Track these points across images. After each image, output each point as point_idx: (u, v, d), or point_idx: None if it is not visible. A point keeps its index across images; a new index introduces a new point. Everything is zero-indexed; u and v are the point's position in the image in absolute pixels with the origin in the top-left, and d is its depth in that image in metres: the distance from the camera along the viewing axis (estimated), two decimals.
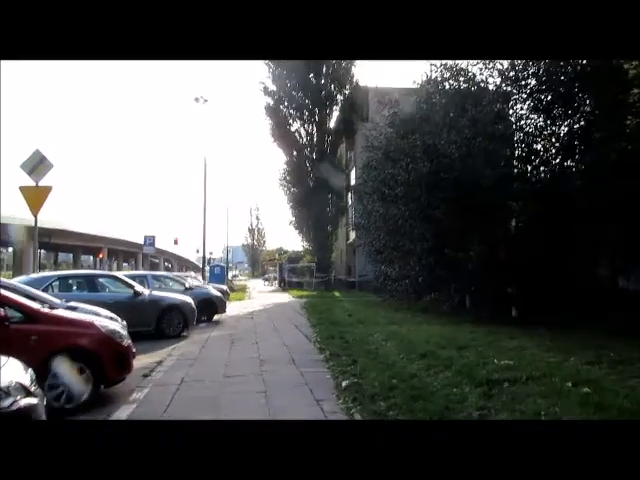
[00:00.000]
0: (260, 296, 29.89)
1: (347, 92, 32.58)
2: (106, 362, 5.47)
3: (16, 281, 9.67)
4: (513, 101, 13.54)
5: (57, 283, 10.42)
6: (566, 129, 13.10)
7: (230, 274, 64.10)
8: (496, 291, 13.69)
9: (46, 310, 5.69)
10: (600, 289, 12.39)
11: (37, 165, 10.49)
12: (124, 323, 7.84)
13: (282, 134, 33.30)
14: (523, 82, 12.83)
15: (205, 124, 41.39)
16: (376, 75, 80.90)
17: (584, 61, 11.82)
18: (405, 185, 13.13)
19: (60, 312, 6.01)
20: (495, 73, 13.59)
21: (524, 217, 13.57)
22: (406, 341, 8.77)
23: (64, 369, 5.33)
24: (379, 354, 7.83)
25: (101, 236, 59.23)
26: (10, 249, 52.20)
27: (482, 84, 13.64)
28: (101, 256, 60.87)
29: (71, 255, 68.73)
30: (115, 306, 9.85)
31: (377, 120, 17.95)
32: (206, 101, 29.81)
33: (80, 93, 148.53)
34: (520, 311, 13.26)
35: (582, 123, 12.74)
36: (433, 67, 13.83)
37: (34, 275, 10.74)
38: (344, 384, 6.19)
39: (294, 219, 36.33)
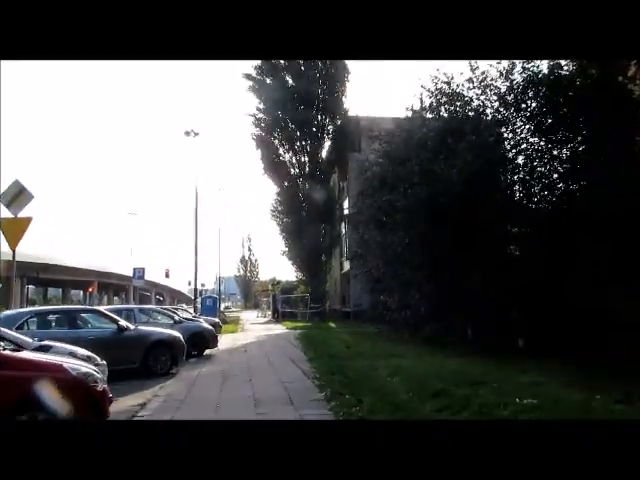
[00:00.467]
0: (253, 328, 29.00)
1: (338, 122, 32.54)
2: (76, 410, 4.77)
3: None
4: (512, 124, 13.28)
5: (34, 320, 9.68)
6: (568, 152, 12.80)
7: (223, 306, 63.02)
8: (499, 318, 13.16)
9: (7, 353, 5.01)
10: (601, 314, 11.88)
11: (16, 196, 9.97)
12: (104, 362, 7.17)
13: (273, 165, 33.17)
14: (523, 105, 12.56)
15: (196, 156, 41.15)
16: (366, 103, 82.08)
17: (587, 80, 11.58)
18: (404, 212, 12.63)
19: (24, 354, 5.32)
20: (493, 97, 13.37)
21: (527, 242, 13.13)
22: (414, 377, 8.08)
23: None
24: (386, 392, 7.13)
25: (91, 270, 58.42)
26: None
27: (480, 108, 13.39)
28: (91, 290, 59.80)
29: (60, 290, 67.60)
30: (97, 343, 9.19)
31: (370, 149, 17.63)
32: (197, 134, 29.78)
33: (69, 121, 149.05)
34: (526, 340, 12.69)
35: (584, 146, 12.46)
36: (428, 93, 13.60)
37: (7, 312, 10.02)
38: None
39: (287, 249, 35.90)
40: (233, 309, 78.71)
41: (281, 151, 33.07)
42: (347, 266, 33.73)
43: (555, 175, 13.11)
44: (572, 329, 11.51)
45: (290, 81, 31.97)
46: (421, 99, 13.70)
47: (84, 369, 5.19)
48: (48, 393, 4.66)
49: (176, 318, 13.94)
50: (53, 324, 10.03)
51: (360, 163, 16.96)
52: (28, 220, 10.09)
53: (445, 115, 13.30)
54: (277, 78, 31.86)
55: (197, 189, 31.12)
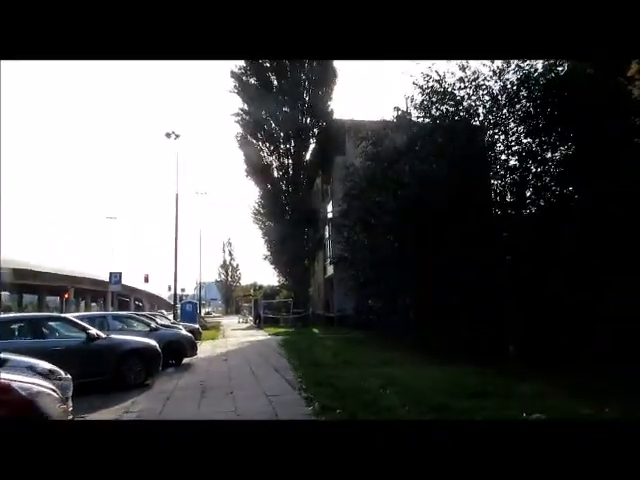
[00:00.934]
0: (235, 334, 28.18)
1: (323, 124, 32.03)
2: None
3: None
4: (504, 126, 12.88)
5: None
6: (562, 154, 12.43)
7: (203, 311, 61.88)
8: (492, 323, 12.74)
9: None
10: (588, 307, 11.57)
11: None
12: (68, 377, 6.44)
13: (256, 167, 32.51)
14: (517, 105, 12.13)
15: (177, 159, 40.03)
16: (351, 106, 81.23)
17: (584, 80, 11.21)
18: (393, 213, 12.10)
19: None
20: (485, 97, 12.97)
21: (520, 244, 12.72)
22: (408, 388, 7.51)
23: None
24: (381, 407, 6.52)
25: (67, 275, 56.95)
26: None
27: (471, 109, 12.97)
28: (67, 296, 58.25)
29: (36, 296, 65.77)
30: (65, 354, 8.51)
31: (356, 151, 17.12)
32: (178, 136, 29.08)
33: (45, 123, 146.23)
34: (516, 346, 12.29)
35: (579, 148, 12.08)
36: (419, 90, 13.13)
37: None
38: None
39: (269, 254, 35.24)
40: (214, 314, 77.54)
41: (265, 153, 32.44)
42: (331, 271, 33.22)
43: (548, 178, 12.75)
44: (560, 327, 11.22)
45: (275, 82, 31.38)
46: (412, 97, 13.19)
47: (36, 388, 4.49)
48: None
49: (152, 325, 13.16)
50: (16, 334, 9.20)
51: (346, 165, 16.37)
52: None
53: (436, 114, 12.81)
54: (262, 79, 31.28)
55: (177, 193, 30.29)
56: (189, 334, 14.68)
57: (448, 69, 13.05)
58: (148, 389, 9.37)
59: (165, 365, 11.84)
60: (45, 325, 9.47)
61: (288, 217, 32.13)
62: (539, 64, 11.99)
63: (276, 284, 46.43)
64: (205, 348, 18.10)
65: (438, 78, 12.88)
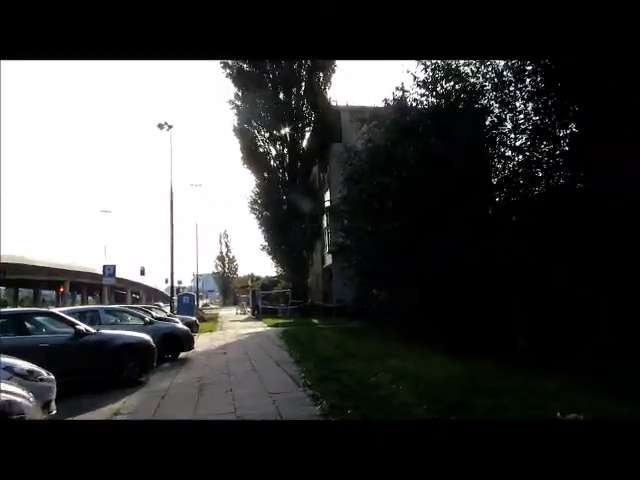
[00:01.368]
0: (233, 326, 27.65)
1: (319, 110, 31.30)
2: None
3: None
4: (511, 104, 12.26)
5: None
6: (571, 131, 11.82)
7: (201, 303, 61.41)
8: (499, 313, 12.24)
9: None
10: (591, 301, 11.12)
11: None
12: (51, 377, 5.87)
13: (252, 155, 31.87)
14: (528, 80, 11.47)
15: (171, 150, 39.22)
16: (349, 91, 79.63)
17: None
18: (397, 197, 11.50)
19: None
20: (491, 74, 12.34)
21: (530, 228, 12.17)
22: (422, 384, 6.94)
23: None
24: (395, 405, 5.96)
25: (63, 269, 56.37)
26: None
27: (477, 87, 12.34)
28: (62, 290, 57.70)
29: (32, 291, 65.26)
30: (51, 351, 7.96)
31: (357, 135, 16.49)
32: (171, 127, 28.53)
33: (37, 115, 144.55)
34: (527, 339, 11.79)
35: (590, 126, 11.45)
36: (422, 66, 12.48)
37: None
38: None
39: (267, 244, 34.65)
40: (212, 306, 77.15)
41: (261, 141, 31.76)
42: (329, 260, 32.71)
43: (558, 158, 12.16)
44: (563, 320, 10.94)
45: (270, 68, 30.58)
46: (414, 75, 12.53)
47: (4, 396, 3.90)
48: None
49: (147, 319, 12.56)
50: None
51: (346, 148, 15.70)
52: None
53: (441, 92, 12.18)
54: (256, 65, 30.46)
55: (172, 184, 29.73)
56: (186, 327, 14.11)
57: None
58: (142, 387, 8.79)
59: (161, 360, 11.30)
60: (30, 320, 8.87)
61: (285, 206, 31.56)
62: None
63: (274, 275, 45.92)
64: (203, 341, 17.57)
65: None
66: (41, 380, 5.63)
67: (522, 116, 12.32)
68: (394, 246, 12.64)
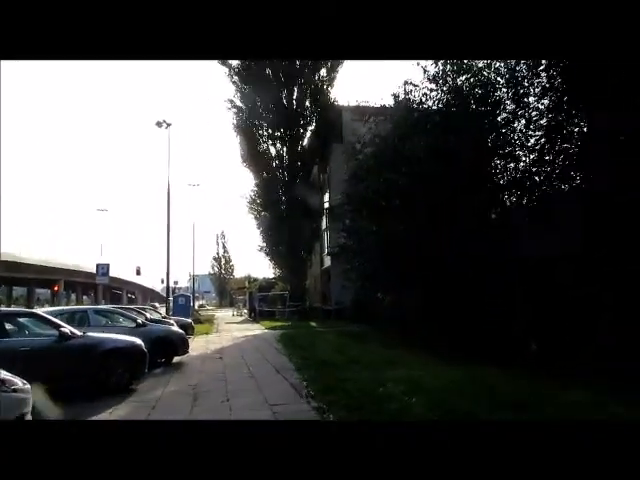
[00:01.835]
0: (229, 328, 26.99)
1: (321, 109, 30.72)
2: None
3: None
4: (524, 100, 11.70)
5: None
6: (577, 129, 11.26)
7: (197, 304, 60.70)
8: (506, 317, 11.72)
9: None
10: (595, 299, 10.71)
11: None
12: (26, 387, 5.24)
13: (251, 154, 31.27)
14: (543, 74, 10.90)
15: (168, 149, 38.54)
16: (349, 92, 78.46)
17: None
18: (407, 193, 10.92)
19: None
20: (503, 69, 11.79)
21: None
22: (437, 397, 6.33)
23: None
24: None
25: (58, 267, 55.66)
26: None
27: (489, 81, 11.76)
28: (56, 289, 56.96)
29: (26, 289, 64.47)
30: (32, 355, 7.31)
31: (357, 134, 15.92)
32: (169, 125, 27.95)
33: (32, 112, 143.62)
34: (540, 345, 11.25)
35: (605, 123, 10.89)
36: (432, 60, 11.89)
37: None
38: None
39: (265, 245, 34.04)
40: (208, 307, 76.42)
41: (261, 140, 31.14)
42: (328, 262, 32.17)
43: (571, 158, 11.60)
44: (564, 320, 10.72)
45: (271, 65, 29.95)
46: (425, 68, 11.95)
47: None
48: None
49: (139, 320, 11.90)
50: None
51: (352, 144, 15.08)
52: None
53: (453, 85, 11.61)
54: (257, 62, 29.84)
55: (169, 183, 28.93)
56: (180, 330, 13.45)
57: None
58: (131, 395, 8.13)
59: (153, 365, 10.66)
60: (11, 322, 8.21)
61: (284, 207, 30.97)
62: None
63: (271, 276, 45.29)
64: (198, 344, 16.93)
65: None
66: (14, 391, 5.01)
67: (535, 113, 11.77)
68: (399, 245, 12.02)
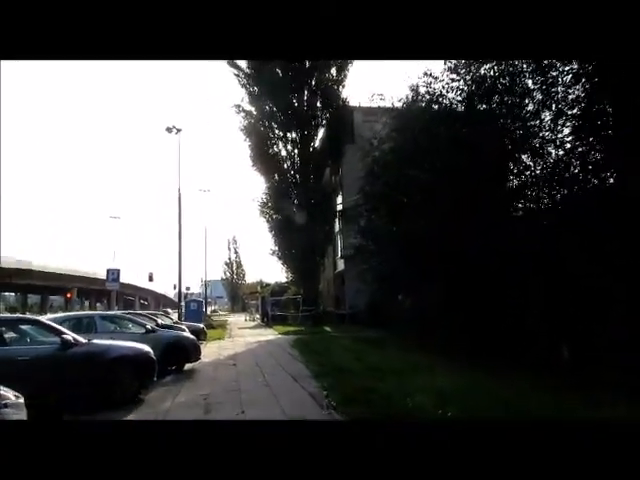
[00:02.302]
0: (242, 333, 26.49)
1: (333, 109, 30.22)
2: None
3: None
4: (554, 88, 11.01)
5: None
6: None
7: (209, 309, 60.40)
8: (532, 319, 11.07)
9: None
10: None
11: None
12: (19, 401, 4.70)
13: (262, 157, 30.78)
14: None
15: (179, 154, 38.38)
16: (360, 93, 77.95)
17: None
18: (429, 186, 10.31)
19: None
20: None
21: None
22: (471, 409, 5.72)
23: None
24: None
25: (71, 274, 55.88)
26: None
27: (516, 70, 11.10)
28: (69, 296, 57.01)
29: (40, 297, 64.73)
30: (32, 365, 6.83)
31: (370, 133, 15.36)
32: (179, 131, 27.78)
33: (46, 121, 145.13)
34: (573, 351, 10.56)
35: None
36: None
37: None
38: None
39: (277, 248, 33.51)
40: (220, 312, 76.17)
41: (271, 142, 30.67)
42: (341, 265, 31.60)
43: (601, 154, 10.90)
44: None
45: (279, 66, 29.51)
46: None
47: None
48: None
49: (148, 326, 11.39)
50: None
51: (366, 142, 14.47)
52: None
53: (477, 74, 10.97)
54: (266, 64, 29.42)
55: (180, 188, 28.70)
56: (191, 336, 12.93)
57: None
58: (138, 407, 7.55)
59: (163, 373, 10.16)
60: (13, 329, 7.73)
61: (296, 210, 30.43)
62: None
63: (284, 280, 44.76)
64: (211, 350, 16.42)
65: None
66: (5, 406, 4.48)
67: (564, 104, 11.08)
68: (419, 241, 11.38)
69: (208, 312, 53.42)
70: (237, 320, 45.74)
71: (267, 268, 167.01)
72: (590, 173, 10.66)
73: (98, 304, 75.34)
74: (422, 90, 11.87)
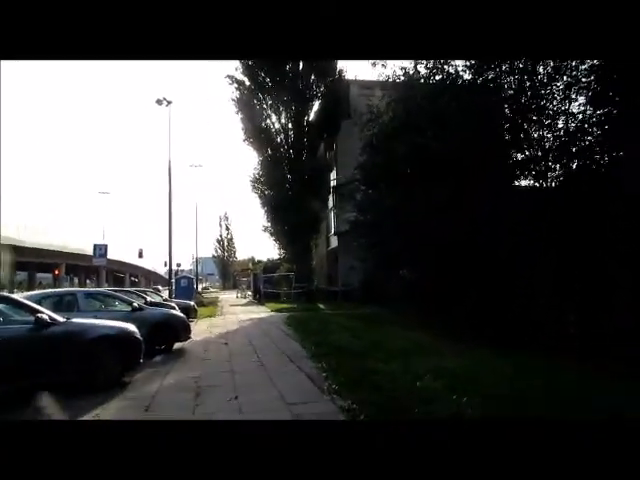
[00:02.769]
0: (234, 310, 25.94)
1: (328, 81, 29.25)
2: None
3: None
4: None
5: None
6: None
7: (200, 286, 59.85)
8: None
9: None
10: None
11: None
12: None
13: (255, 130, 29.84)
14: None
15: (169, 127, 37.14)
16: (357, 65, 75.06)
17: None
18: (437, 155, 9.65)
19: None
20: None
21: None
22: (491, 394, 5.17)
23: None
24: None
25: (59, 251, 54.87)
26: None
27: None
28: (57, 273, 56.14)
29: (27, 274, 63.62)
30: (5, 347, 6.14)
31: (369, 102, 14.60)
32: (170, 103, 26.77)
33: (33, 93, 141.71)
34: (585, 335, 10.17)
35: None
36: None
37: None
38: None
39: (269, 225, 32.84)
40: (211, 290, 75.65)
41: (264, 115, 29.70)
42: (335, 243, 31.11)
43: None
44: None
45: None
46: None
47: None
48: None
49: (135, 304, 10.73)
50: None
51: (366, 113, 13.66)
52: None
53: None
54: None
55: (170, 162, 27.66)
56: (181, 314, 12.30)
57: None
58: (122, 391, 6.93)
59: (151, 353, 9.58)
60: None
61: (289, 185, 29.68)
62: None
63: (276, 257, 44.14)
64: (201, 328, 15.85)
65: None
66: None
67: (576, 73, 10.40)
68: (422, 214, 10.76)
69: (199, 289, 52.84)
70: (228, 297, 45.22)
71: (259, 245, 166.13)
72: (605, 145, 10.07)
73: (88, 281, 74.43)
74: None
